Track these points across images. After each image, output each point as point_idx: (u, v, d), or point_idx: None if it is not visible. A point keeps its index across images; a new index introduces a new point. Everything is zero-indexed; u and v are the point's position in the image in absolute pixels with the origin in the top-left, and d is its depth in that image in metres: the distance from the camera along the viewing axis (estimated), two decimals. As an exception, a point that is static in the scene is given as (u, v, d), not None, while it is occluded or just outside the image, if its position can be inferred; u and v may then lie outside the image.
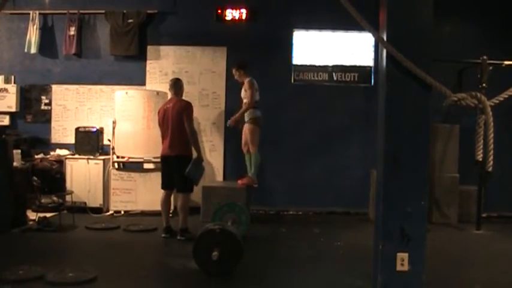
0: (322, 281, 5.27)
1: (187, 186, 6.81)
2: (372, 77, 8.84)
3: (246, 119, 7.80)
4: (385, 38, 4.06)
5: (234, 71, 8.00)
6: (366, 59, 8.93)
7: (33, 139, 8.96)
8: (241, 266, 5.26)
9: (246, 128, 7.82)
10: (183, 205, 6.81)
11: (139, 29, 8.90)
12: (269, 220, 8.37)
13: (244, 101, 7.80)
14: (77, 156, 8.50)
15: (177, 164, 6.72)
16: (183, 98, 7.13)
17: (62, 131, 9.13)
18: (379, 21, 4.25)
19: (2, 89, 9.03)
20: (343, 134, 8.91)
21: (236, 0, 8.69)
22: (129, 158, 8.39)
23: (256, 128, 7.75)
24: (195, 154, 6.82)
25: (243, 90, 7.84)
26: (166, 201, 6.97)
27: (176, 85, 7.08)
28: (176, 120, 6.77)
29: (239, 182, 7.87)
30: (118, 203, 8.30)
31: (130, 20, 8.87)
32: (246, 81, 7.77)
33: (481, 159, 4.20)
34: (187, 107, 6.87)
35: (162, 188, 7.01)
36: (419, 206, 4.08)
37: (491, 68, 7.52)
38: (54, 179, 7.42)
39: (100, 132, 8.67)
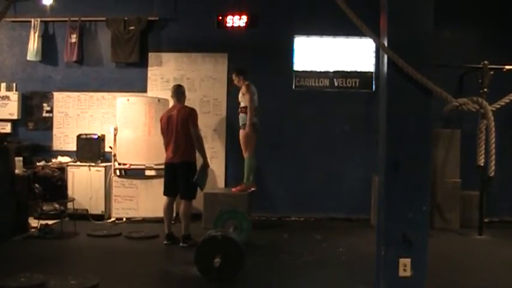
0: (324, 287, 5.26)
1: (191, 192, 6.83)
2: (373, 82, 8.83)
3: (241, 123, 7.80)
4: (386, 44, 4.08)
5: (233, 76, 8.02)
6: (367, 64, 8.93)
7: (35, 146, 8.95)
8: (243, 272, 5.25)
9: (241, 133, 7.82)
10: (186, 212, 6.81)
11: (141, 36, 8.91)
12: (271, 226, 8.34)
13: (242, 104, 7.80)
14: (78, 163, 8.51)
15: (182, 171, 6.75)
16: (186, 104, 7.14)
17: (64, 138, 9.13)
18: (380, 27, 4.27)
19: (3, 96, 9.03)
20: (344, 139, 8.89)
21: (237, 6, 8.69)
22: (130, 165, 8.39)
23: (252, 134, 7.74)
24: (198, 160, 6.84)
25: (240, 94, 7.84)
26: (169, 208, 6.96)
27: (178, 91, 7.08)
28: (181, 127, 6.78)
29: (233, 190, 7.88)
30: (120, 210, 8.29)
31: (131, 27, 8.88)
32: (244, 85, 7.78)
33: (482, 164, 4.20)
34: (192, 114, 6.88)
35: (165, 194, 7.00)
36: (421, 212, 4.08)
37: (492, 72, 7.51)
38: (55, 186, 7.39)
39: (101, 139, 8.66)
